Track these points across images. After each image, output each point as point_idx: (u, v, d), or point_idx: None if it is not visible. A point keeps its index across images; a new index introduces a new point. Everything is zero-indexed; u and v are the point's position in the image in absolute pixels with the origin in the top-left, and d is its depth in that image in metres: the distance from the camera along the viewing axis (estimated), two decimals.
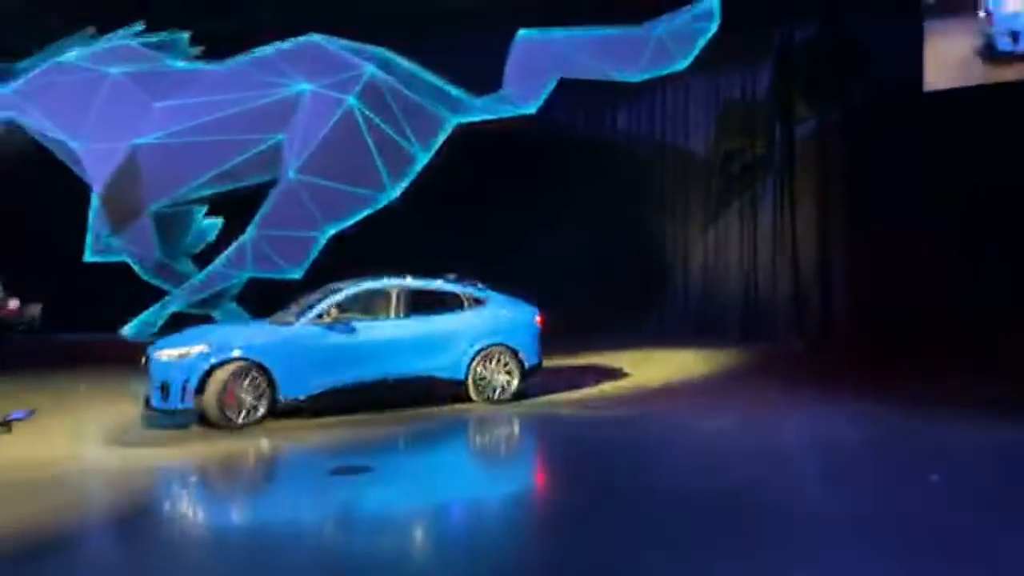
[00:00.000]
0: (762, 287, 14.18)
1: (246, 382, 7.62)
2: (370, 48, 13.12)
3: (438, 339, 8.56)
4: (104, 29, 13.55)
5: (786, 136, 14.06)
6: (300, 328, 8.05)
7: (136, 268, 13.41)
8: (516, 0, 13.85)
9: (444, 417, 8.30)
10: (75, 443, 7.46)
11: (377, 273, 8.89)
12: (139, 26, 13.44)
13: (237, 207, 13.28)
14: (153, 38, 13.32)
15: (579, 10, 13.24)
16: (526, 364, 8.94)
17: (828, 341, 13.15)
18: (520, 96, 13.15)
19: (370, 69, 12.70)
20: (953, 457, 6.57)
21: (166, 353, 7.72)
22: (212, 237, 14.08)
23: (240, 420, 7.58)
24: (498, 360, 8.79)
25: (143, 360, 7.96)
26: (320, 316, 8.13)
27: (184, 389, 7.47)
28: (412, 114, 12.91)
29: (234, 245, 12.93)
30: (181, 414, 7.65)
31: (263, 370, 7.68)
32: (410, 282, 8.79)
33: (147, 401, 7.85)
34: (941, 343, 11.40)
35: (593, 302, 14.19)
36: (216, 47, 13.50)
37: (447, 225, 14.30)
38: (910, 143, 12.63)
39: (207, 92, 12.63)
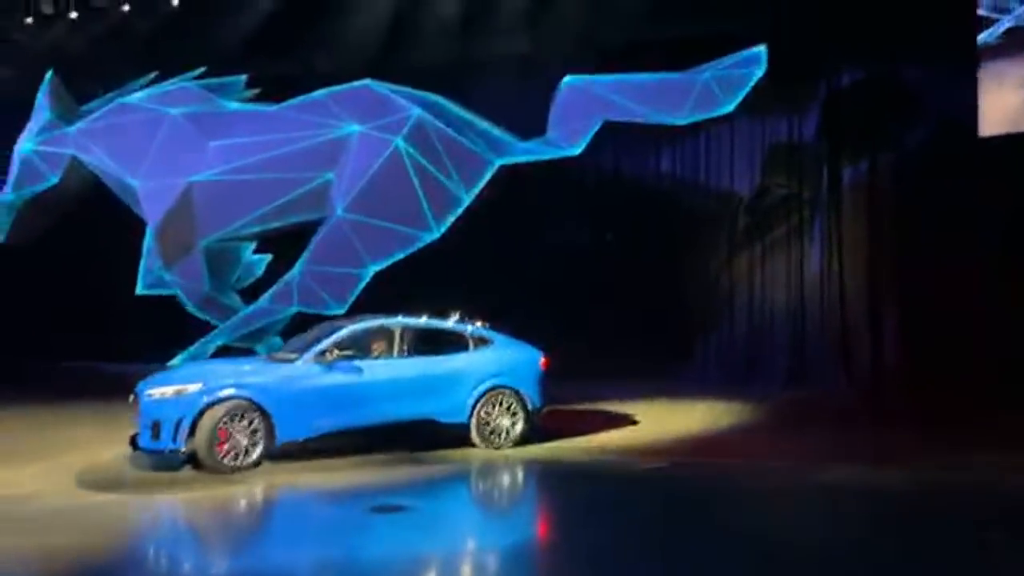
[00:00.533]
0: (809, 332, 13.80)
1: (242, 423, 7.25)
2: (419, 92, 13.44)
3: (441, 380, 8.22)
4: (167, 73, 14.18)
5: (834, 180, 13.82)
6: (300, 367, 7.71)
7: (184, 301, 13.70)
8: (562, 49, 14.12)
9: (447, 462, 8.01)
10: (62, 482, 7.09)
11: (392, 311, 8.73)
12: (200, 70, 14.03)
13: (284, 243, 13.58)
14: (212, 80, 13.87)
15: (624, 58, 13.38)
16: (530, 407, 8.59)
17: (879, 389, 12.68)
18: (564, 139, 13.26)
19: (417, 112, 12.98)
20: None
21: (159, 391, 7.36)
22: (260, 272, 14.37)
23: (234, 463, 7.19)
24: (502, 403, 8.43)
25: (131, 398, 7.63)
26: (322, 354, 7.78)
27: (177, 429, 7.08)
28: (457, 156, 13.09)
29: (280, 281, 13.17)
30: (171, 455, 7.27)
31: (260, 410, 7.32)
32: (413, 321, 8.55)
33: (133, 440, 7.49)
34: (996, 394, 10.88)
35: (631, 346, 13.95)
36: (272, 90, 13.99)
37: (484, 263, 14.31)
38: (964, 189, 12.31)
39: (260, 132, 13.05)
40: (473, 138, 13.35)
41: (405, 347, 8.24)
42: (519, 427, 8.46)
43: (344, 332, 8.10)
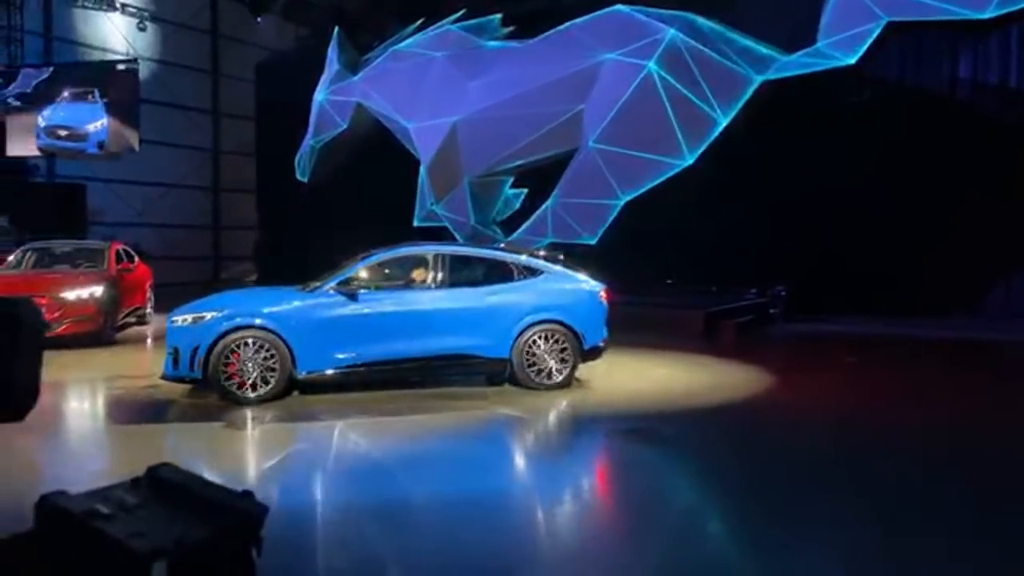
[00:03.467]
0: None
1: (258, 352, 6.93)
2: (673, 12, 12.85)
3: (479, 312, 7.52)
4: (432, 19, 15.06)
5: None
6: (321, 295, 7.27)
7: (454, 233, 14.77)
8: None
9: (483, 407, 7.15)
10: None
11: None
12: (460, 12, 14.71)
13: (541, 177, 13.97)
14: (470, 22, 14.47)
15: None
16: (584, 345, 7.71)
17: None
18: (837, 47, 11.93)
19: (671, 33, 12.45)
20: None
21: (181, 318, 7.16)
22: (517, 205, 14.99)
23: (249, 393, 6.91)
24: (550, 338, 7.61)
25: None
26: (345, 283, 7.32)
27: (193, 357, 6.87)
28: (714, 76, 12.41)
29: (536, 213, 13.63)
30: (190, 383, 7.08)
31: (279, 340, 6.97)
32: (450, 248, 8.04)
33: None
34: None
35: (916, 280, 12.39)
36: (525, 26, 14.25)
37: (744, 191, 13.43)
38: None
39: (514, 68, 13.44)
40: (732, 55, 12.53)
41: (442, 276, 7.60)
42: (568, 365, 7.66)
43: (371, 260, 7.64)
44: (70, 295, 10.55)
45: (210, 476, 5.01)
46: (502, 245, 8.70)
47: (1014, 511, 4.48)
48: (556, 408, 7.13)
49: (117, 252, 12.30)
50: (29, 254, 11.91)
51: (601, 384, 8.04)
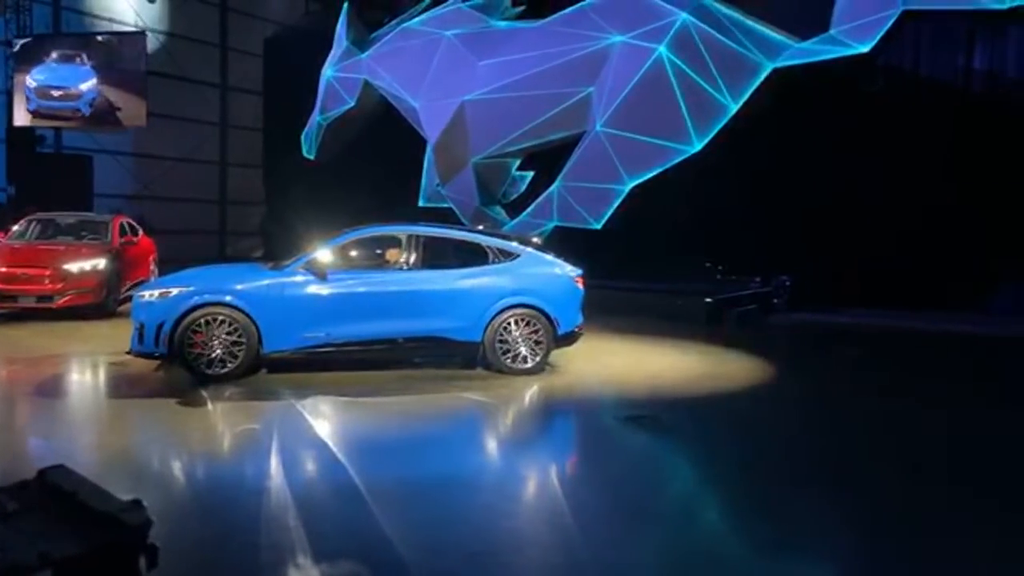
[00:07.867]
0: None
1: (223, 329, 6.88)
2: None
3: (451, 295, 7.45)
4: None
5: None
6: (291, 274, 7.18)
7: (458, 214, 14.65)
8: None
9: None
10: None
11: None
12: None
13: (548, 160, 13.82)
14: (480, 0, 14.25)
15: None
16: (558, 330, 7.66)
17: None
18: (851, 35, 11.66)
19: (683, 16, 12.24)
20: None
21: (148, 293, 7.19)
22: (523, 188, 14.83)
23: (212, 370, 6.86)
24: (523, 323, 7.55)
25: None
26: (315, 261, 7.23)
27: (158, 333, 6.81)
28: (725, 62, 12.18)
29: (541, 196, 13.49)
30: (158, 359, 7.05)
31: (245, 317, 6.92)
32: (424, 229, 7.83)
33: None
34: None
35: (914, 275, 12.21)
36: (536, 5, 14.04)
37: (752, 179, 13.23)
38: None
39: (525, 49, 13.25)
40: (744, 41, 12.29)
41: (414, 257, 7.52)
42: (541, 350, 7.60)
43: (342, 239, 7.59)
44: (73, 267, 10.59)
45: (152, 454, 5.20)
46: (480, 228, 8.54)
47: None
48: (524, 395, 7.04)
49: (121, 225, 12.29)
50: (34, 225, 11.93)
51: (580, 370, 7.97)
